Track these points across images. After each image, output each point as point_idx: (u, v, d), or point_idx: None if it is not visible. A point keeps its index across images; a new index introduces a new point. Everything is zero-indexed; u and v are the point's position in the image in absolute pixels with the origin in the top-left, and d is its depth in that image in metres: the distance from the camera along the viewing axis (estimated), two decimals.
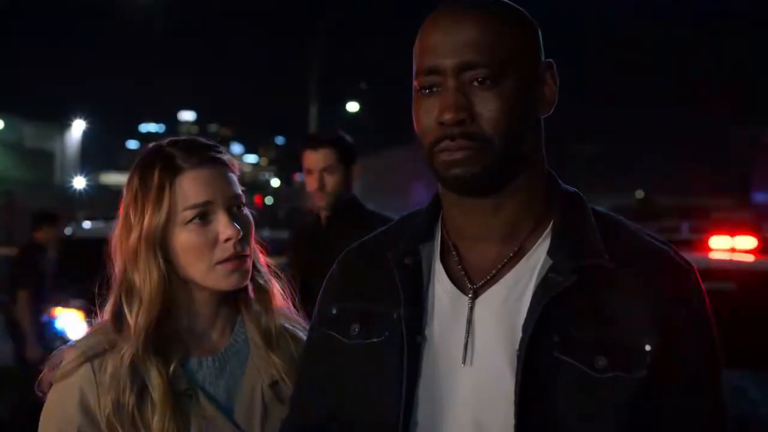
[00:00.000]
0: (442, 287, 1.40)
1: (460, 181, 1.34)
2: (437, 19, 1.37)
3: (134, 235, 1.72)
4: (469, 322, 1.35)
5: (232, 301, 1.81)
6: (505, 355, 1.31)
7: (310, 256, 3.65)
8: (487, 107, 1.32)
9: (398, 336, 1.37)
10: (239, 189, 1.79)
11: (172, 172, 1.72)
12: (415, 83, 1.37)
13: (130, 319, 1.70)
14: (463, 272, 1.39)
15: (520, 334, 1.30)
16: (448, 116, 1.31)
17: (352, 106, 30.19)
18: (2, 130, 34.90)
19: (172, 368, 1.69)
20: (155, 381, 1.67)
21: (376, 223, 2.82)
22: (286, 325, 1.85)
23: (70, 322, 7.96)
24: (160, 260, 1.72)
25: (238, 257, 1.73)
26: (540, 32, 1.42)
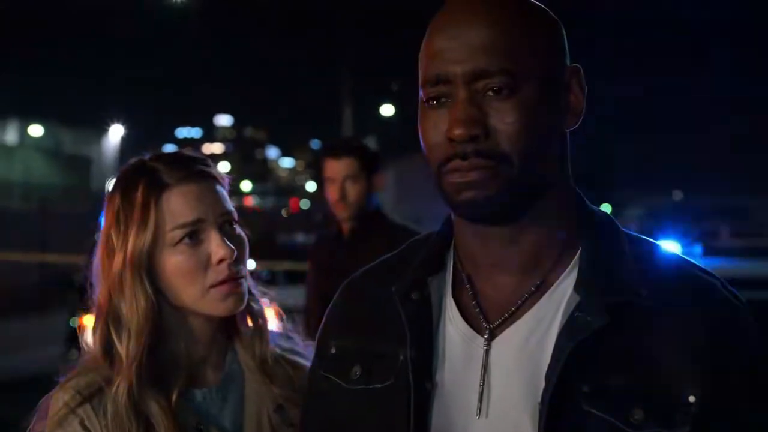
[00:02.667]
0: (454, 326, 1.23)
1: (473, 206, 1.16)
2: (445, 19, 1.19)
3: (118, 260, 1.57)
4: (485, 367, 1.18)
5: (224, 327, 1.67)
6: (526, 407, 1.14)
7: (331, 271, 3.51)
8: (503, 120, 1.14)
9: (404, 382, 1.20)
10: (231, 205, 1.65)
11: (157, 188, 1.58)
12: (421, 93, 1.20)
13: (121, 351, 1.56)
14: (477, 309, 1.22)
15: (542, 383, 1.13)
16: (458, 131, 1.14)
17: (387, 109, 30.04)
18: (41, 137, 35.26)
19: (174, 399, 1.56)
20: (158, 416, 1.53)
21: (402, 237, 2.66)
22: (283, 352, 1.71)
23: None
24: (147, 286, 1.57)
25: (234, 279, 1.59)
26: (564, 33, 1.24)
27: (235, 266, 1.60)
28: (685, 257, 1.24)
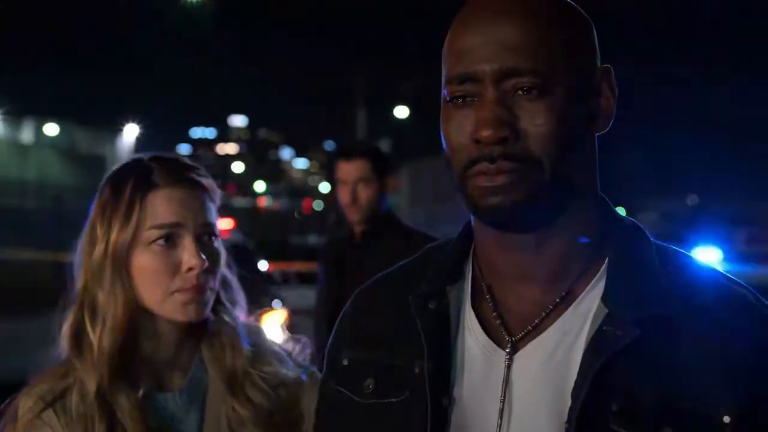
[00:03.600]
0: (473, 338, 1.16)
1: (499, 211, 1.10)
2: (472, 14, 1.13)
3: (99, 249, 1.61)
4: (506, 382, 1.12)
5: (193, 333, 1.67)
6: (551, 426, 1.07)
7: (342, 273, 3.46)
8: (533, 122, 1.08)
9: (420, 396, 1.13)
10: (215, 218, 1.66)
11: (145, 186, 1.61)
12: (444, 92, 1.14)
13: (93, 340, 1.59)
14: (499, 320, 1.15)
15: (568, 401, 1.06)
16: (486, 133, 1.07)
17: (401, 111, 30.01)
18: (56, 136, 35.37)
19: (139, 397, 1.57)
20: (127, 410, 1.55)
21: (413, 240, 2.61)
22: (264, 372, 1.67)
23: None
24: (126, 279, 1.59)
25: (198, 288, 1.60)
26: (595, 32, 1.18)
27: (203, 276, 1.60)
28: (717, 268, 1.17)
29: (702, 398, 1.05)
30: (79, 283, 1.63)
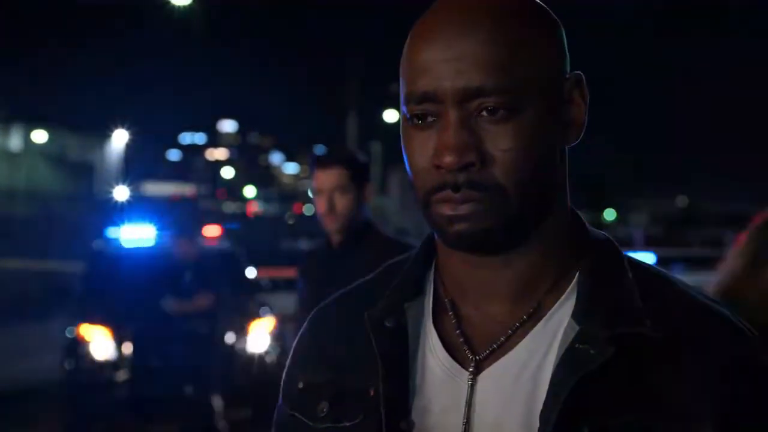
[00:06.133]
0: (434, 358, 1.09)
1: (464, 238, 1.03)
2: (432, 25, 1.04)
3: None
4: (469, 404, 1.05)
5: None
6: None
7: (321, 284, 3.41)
8: (499, 147, 1.00)
9: (376, 420, 1.06)
10: None
11: None
12: (404, 110, 1.05)
13: None
14: (462, 339, 1.08)
15: (536, 424, 1.00)
16: (448, 159, 1.00)
17: (391, 114, 29.96)
18: (45, 143, 35.25)
19: None
20: None
21: (392, 250, 2.56)
22: None
23: (97, 338, 7.82)
24: None
25: None
26: (564, 35, 1.09)
27: None
28: (691, 285, 1.12)
29: (681, 419, 0.99)
30: None
